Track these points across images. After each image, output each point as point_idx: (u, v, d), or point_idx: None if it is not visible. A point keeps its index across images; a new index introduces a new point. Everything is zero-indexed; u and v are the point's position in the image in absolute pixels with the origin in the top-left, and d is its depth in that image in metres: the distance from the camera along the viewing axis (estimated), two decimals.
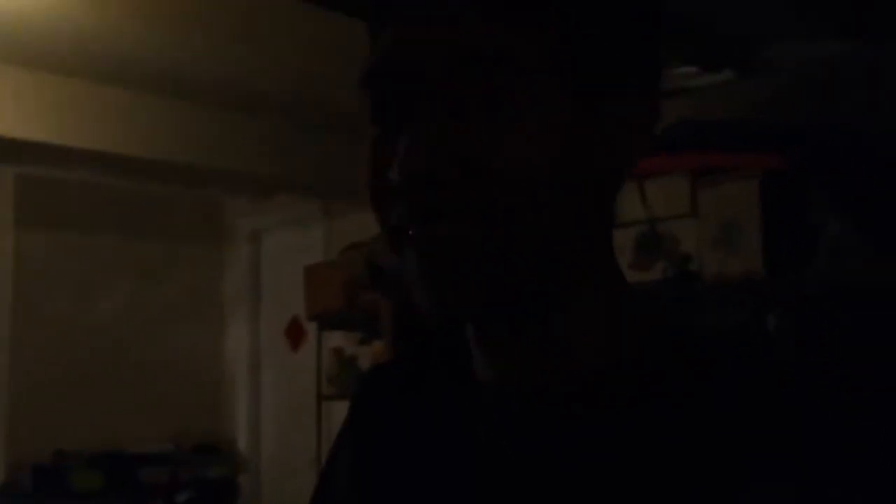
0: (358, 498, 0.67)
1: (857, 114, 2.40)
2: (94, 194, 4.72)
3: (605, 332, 0.58)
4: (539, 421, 0.57)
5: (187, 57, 3.26)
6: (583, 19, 0.55)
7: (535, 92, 0.53)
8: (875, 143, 2.31)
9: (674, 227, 2.56)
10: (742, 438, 0.52)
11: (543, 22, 0.53)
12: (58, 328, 4.62)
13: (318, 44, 3.13)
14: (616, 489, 0.53)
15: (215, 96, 3.69)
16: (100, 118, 3.54)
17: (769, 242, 2.39)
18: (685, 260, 2.55)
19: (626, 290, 0.61)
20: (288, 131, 4.03)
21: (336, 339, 4.01)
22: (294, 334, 4.85)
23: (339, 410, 4.18)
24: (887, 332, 2.15)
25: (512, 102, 0.52)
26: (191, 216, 5.23)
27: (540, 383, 0.58)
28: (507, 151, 0.52)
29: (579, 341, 0.57)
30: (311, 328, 4.24)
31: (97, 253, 4.80)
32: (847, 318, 2.25)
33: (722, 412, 0.53)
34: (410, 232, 0.54)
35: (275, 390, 5.11)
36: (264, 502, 5.04)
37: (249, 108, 3.85)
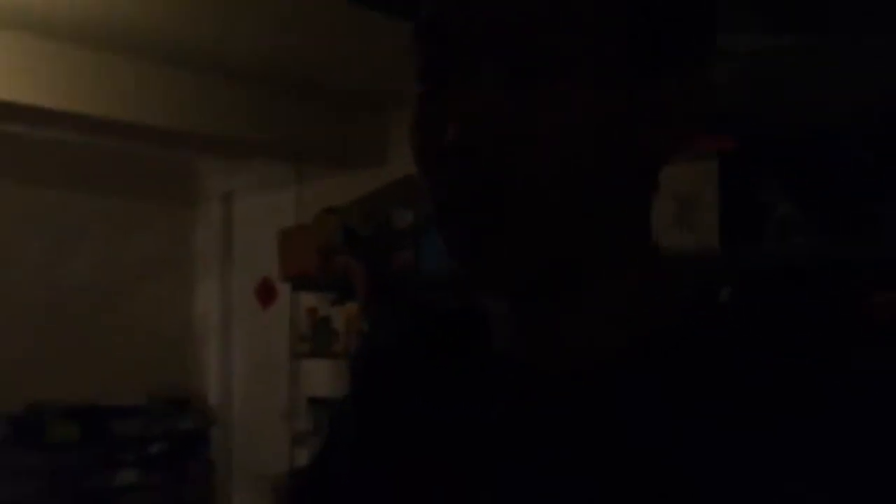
0: (366, 466, 0.65)
1: (804, 100, 2.58)
2: (68, 152, 4.72)
3: (638, 303, 0.57)
4: (567, 389, 0.56)
5: (163, 19, 3.29)
6: None
7: (597, 62, 0.52)
8: (820, 129, 2.49)
9: None
10: (768, 417, 0.50)
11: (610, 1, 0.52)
12: (32, 284, 4.67)
13: (295, 12, 3.22)
14: (638, 459, 0.52)
15: (191, 59, 3.72)
16: (73, 79, 3.56)
17: (724, 220, 2.56)
18: None
19: (659, 259, 0.60)
20: (263, 95, 4.08)
21: (309, 299, 4.15)
22: (264, 294, 4.96)
23: (312, 367, 4.34)
24: (828, 306, 2.34)
25: (574, 71, 0.51)
26: (165, 176, 5.27)
27: (570, 353, 0.57)
28: (552, 134, 0.51)
29: (612, 311, 0.57)
30: (284, 289, 4.37)
31: (71, 210, 4.84)
32: (792, 293, 2.45)
33: (751, 389, 0.52)
34: (459, 202, 0.54)
35: (245, 347, 5.21)
36: (235, 454, 5.17)
37: (225, 72, 3.89)
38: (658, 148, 0.56)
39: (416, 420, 0.63)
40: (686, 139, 0.56)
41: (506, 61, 0.52)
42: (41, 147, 4.63)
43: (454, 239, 0.55)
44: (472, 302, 0.65)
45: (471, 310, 0.65)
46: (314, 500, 0.71)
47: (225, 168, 5.19)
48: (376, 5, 2.79)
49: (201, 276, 5.42)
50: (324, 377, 4.19)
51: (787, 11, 2.49)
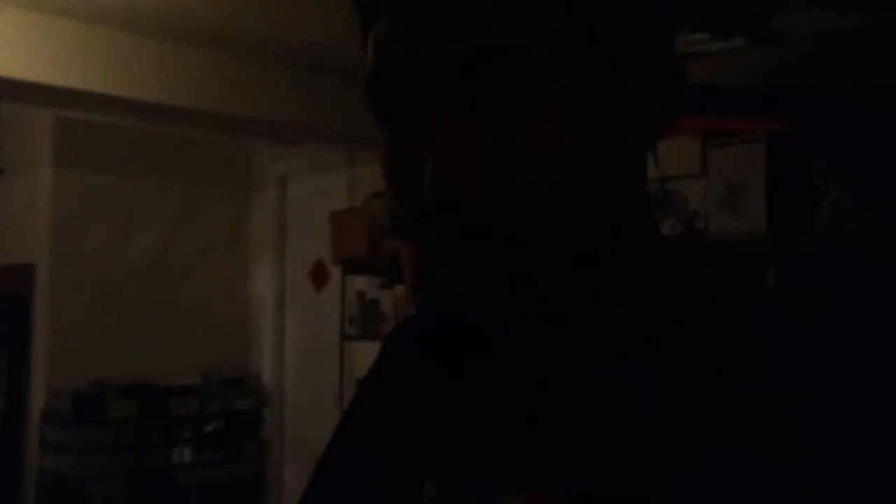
0: (386, 442, 0.66)
1: (860, 84, 2.51)
2: (129, 137, 4.83)
3: (652, 293, 0.56)
4: (584, 376, 0.56)
5: (220, 8, 3.35)
6: None
7: (560, 84, 0.49)
8: (877, 114, 2.42)
9: (683, 186, 2.67)
10: (783, 404, 0.50)
11: (560, 5, 0.49)
12: (94, 265, 4.79)
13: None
14: (657, 442, 0.52)
15: (247, 47, 3.79)
16: (132, 66, 3.63)
17: (773, 204, 2.51)
18: (692, 218, 2.68)
19: (667, 248, 0.59)
20: (316, 81, 4.12)
21: (359, 282, 4.17)
22: (318, 276, 5.00)
23: (360, 350, 4.37)
24: (882, 295, 2.27)
25: (537, 101, 0.49)
26: (220, 161, 5.35)
27: (589, 343, 0.57)
28: (540, 160, 0.49)
29: (627, 303, 0.56)
30: (335, 271, 4.40)
31: (131, 194, 4.94)
32: (845, 280, 2.38)
33: (766, 377, 0.51)
34: (448, 253, 0.52)
35: (298, 329, 5.27)
36: (287, 433, 5.25)
37: (280, 59, 3.94)
38: (640, 138, 0.54)
39: (435, 409, 0.63)
40: (667, 123, 0.54)
41: (463, 105, 0.49)
42: (101, 131, 4.74)
43: (452, 284, 0.53)
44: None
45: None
46: (337, 486, 0.72)
47: (279, 152, 5.25)
48: None
49: (256, 258, 5.50)
50: (372, 359, 4.21)
51: None
